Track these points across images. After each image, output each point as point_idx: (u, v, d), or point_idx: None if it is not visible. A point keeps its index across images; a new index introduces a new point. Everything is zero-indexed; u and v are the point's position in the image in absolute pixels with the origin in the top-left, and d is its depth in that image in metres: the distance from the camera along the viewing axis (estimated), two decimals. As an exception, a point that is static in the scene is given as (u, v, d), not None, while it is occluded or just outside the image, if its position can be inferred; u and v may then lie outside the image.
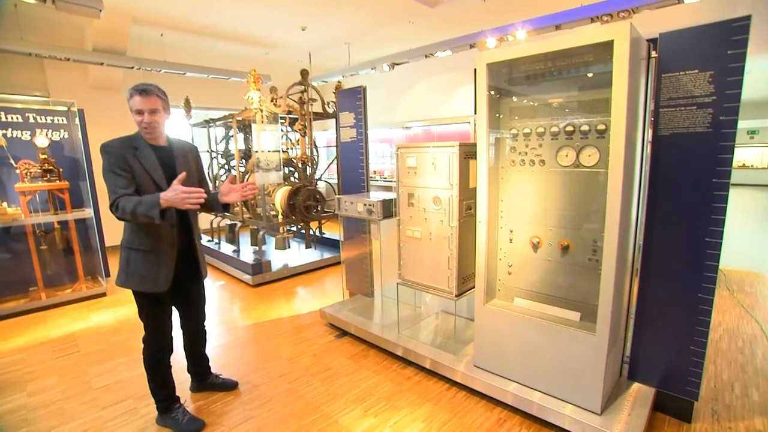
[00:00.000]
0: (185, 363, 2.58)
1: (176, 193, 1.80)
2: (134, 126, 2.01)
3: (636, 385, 2.28)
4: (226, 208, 2.32)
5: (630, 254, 2.21)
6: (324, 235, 6.19)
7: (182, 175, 1.87)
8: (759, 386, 2.51)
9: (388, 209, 3.00)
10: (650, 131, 2.08)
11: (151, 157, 2.00)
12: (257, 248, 5.29)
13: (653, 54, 2.04)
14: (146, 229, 2.00)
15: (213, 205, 2.26)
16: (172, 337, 2.24)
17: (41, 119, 4.39)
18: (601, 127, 2.07)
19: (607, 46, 1.78)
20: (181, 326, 2.44)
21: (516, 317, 2.30)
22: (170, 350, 2.24)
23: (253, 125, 4.64)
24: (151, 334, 2.16)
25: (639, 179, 2.15)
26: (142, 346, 2.19)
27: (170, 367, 2.27)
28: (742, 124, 13.40)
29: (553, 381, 2.18)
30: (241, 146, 5.90)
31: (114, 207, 1.86)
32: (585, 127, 2.13)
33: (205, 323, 2.53)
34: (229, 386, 2.62)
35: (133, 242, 2.02)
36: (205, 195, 1.88)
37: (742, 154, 14.20)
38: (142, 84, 1.97)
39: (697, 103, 1.92)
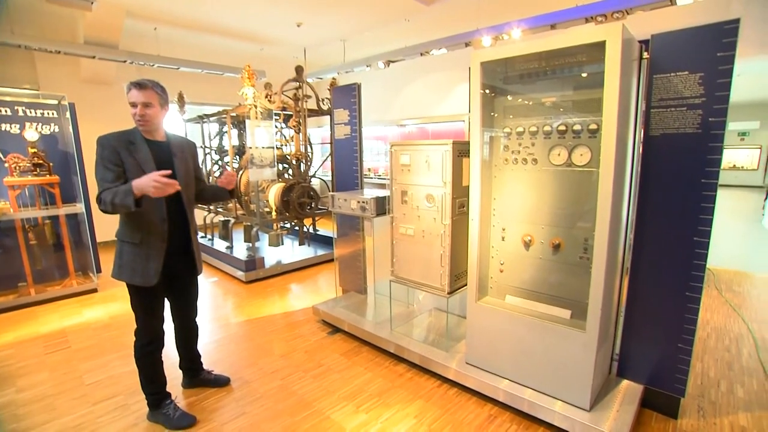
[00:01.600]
0: (177, 359, 2.57)
1: (149, 180, 1.76)
2: (128, 120, 2.03)
3: (625, 382, 2.31)
4: (232, 193, 2.42)
5: (620, 253, 2.24)
6: (317, 232, 6.18)
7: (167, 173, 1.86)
8: (744, 383, 2.55)
9: (382, 206, 3.01)
10: (641, 131, 2.11)
11: (145, 152, 2.02)
12: (250, 245, 5.27)
13: (645, 55, 2.06)
14: (135, 222, 2.01)
15: (217, 193, 2.41)
16: (163, 331, 2.23)
17: (31, 113, 4.33)
18: (593, 126, 2.09)
19: (600, 47, 1.80)
20: (173, 321, 2.44)
21: (507, 315, 2.32)
22: (161, 344, 2.24)
23: (247, 121, 4.62)
24: (142, 326, 2.17)
25: (630, 179, 2.17)
26: (134, 339, 2.19)
27: (161, 361, 2.27)
28: (733, 126, 13.57)
29: (544, 378, 2.20)
30: (235, 142, 5.87)
31: (98, 199, 1.90)
32: (577, 127, 2.15)
33: (197, 319, 2.53)
34: (222, 382, 2.62)
35: (124, 235, 2.05)
36: (178, 186, 1.84)
37: (732, 156, 14.37)
38: (140, 78, 2.01)
39: (687, 104, 1.94)
